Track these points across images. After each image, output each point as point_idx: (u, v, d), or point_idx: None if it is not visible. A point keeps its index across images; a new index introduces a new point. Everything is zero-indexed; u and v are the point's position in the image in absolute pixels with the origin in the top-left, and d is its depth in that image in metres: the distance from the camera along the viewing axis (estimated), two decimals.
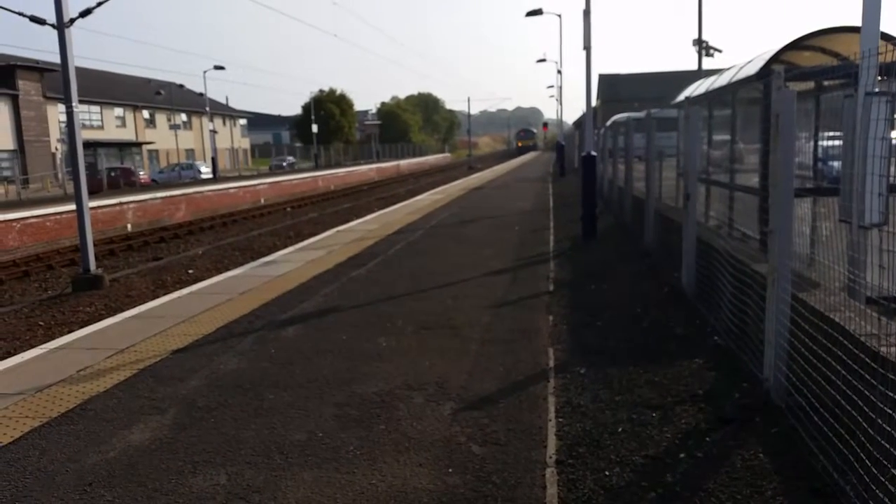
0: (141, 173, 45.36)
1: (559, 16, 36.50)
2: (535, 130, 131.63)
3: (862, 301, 4.11)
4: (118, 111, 60.00)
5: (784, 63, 7.43)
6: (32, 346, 7.70)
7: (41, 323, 11.29)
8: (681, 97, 11.19)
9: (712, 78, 10.43)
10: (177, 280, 14.49)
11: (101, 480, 4.00)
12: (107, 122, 58.00)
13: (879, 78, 4.58)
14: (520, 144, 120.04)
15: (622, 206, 15.41)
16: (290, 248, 13.63)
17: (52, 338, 8.70)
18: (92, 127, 54.56)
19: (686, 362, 5.59)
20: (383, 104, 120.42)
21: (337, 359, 6.12)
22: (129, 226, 25.27)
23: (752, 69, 7.41)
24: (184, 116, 69.04)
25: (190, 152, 68.30)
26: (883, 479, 2.95)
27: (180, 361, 6.16)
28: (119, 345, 6.75)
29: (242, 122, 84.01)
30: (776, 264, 4.46)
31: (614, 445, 4.21)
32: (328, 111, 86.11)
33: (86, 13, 13.68)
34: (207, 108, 54.05)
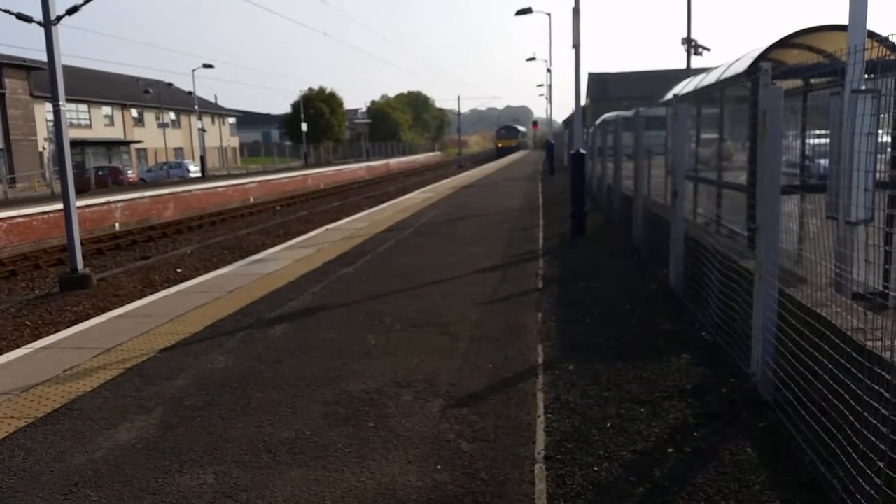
0: (129, 172, 45.16)
1: (549, 14, 36.56)
2: (520, 128, 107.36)
3: (848, 296, 4.13)
4: (106, 110, 59.62)
5: (772, 61, 7.45)
6: (19, 346, 7.63)
7: (28, 323, 11.21)
8: (669, 95, 11.22)
9: (701, 76, 10.47)
10: (165, 279, 14.41)
11: (87, 480, 3.96)
12: (95, 121, 57.62)
13: (866, 76, 4.60)
14: (500, 145, 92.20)
15: (611, 203, 15.45)
16: (279, 247, 13.58)
17: (38, 337, 8.64)
18: (80, 126, 54.20)
19: (674, 358, 5.60)
20: (373, 103, 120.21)
21: (325, 357, 6.10)
22: (117, 225, 25.11)
23: (741, 67, 7.44)
24: (172, 115, 68.68)
25: (178, 151, 67.98)
26: (870, 473, 2.96)
27: (167, 360, 6.12)
28: (106, 344, 6.70)
29: (231, 120, 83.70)
30: (763, 260, 4.48)
31: (603, 441, 4.21)
32: (318, 110, 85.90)
33: (73, 10, 13.58)
34: (196, 107, 53.76)
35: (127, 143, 57.69)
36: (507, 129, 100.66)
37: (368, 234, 14.67)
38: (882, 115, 4.02)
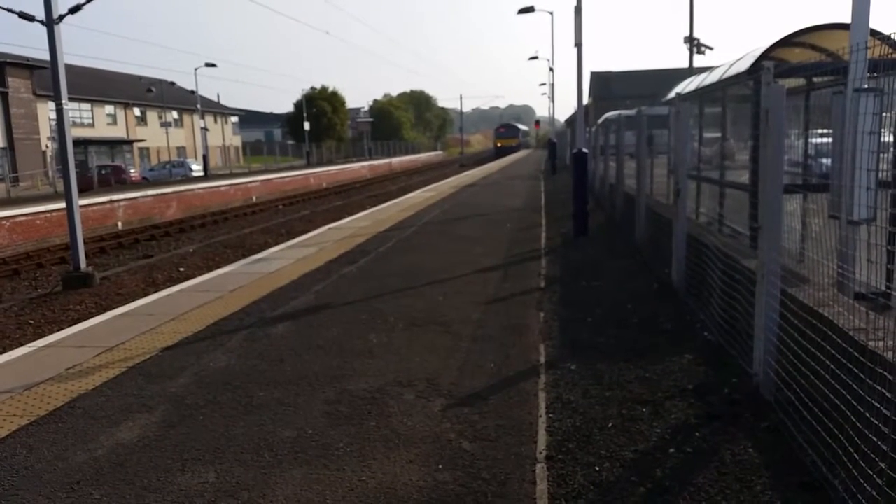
0: (132, 171, 45.21)
1: (551, 13, 36.62)
2: (521, 126, 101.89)
3: (851, 296, 4.12)
4: (109, 109, 59.69)
5: (774, 60, 7.43)
6: (21, 345, 7.64)
7: (31, 321, 11.23)
8: (672, 94, 11.21)
9: (703, 75, 10.45)
10: (167, 278, 14.43)
11: (89, 479, 3.97)
12: (97, 120, 57.69)
13: (869, 75, 4.59)
14: (499, 144, 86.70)
15: (613, 203, 15.44)
16: (282, 246, 13.59)
17: (41, 336, 8.65)
18: (83, 124, 54.27)
19: (676, 358, 5.60)
20: (375, 101, 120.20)
21: (327, 356, 6.10)
22: (119, 224, 25.14)
23: (743, 66, 7.42)
24: (175, 114, 68.74)
25: (181, 150, 68.03)
26: (871, 473, 2.95)
27: (169, 359, 6.13)
28: (108, 343, 6.71)
29: (234, 119, 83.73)
30: (765, 260, 4.47)
31: (604, 441, 4.21)
32: (320, 108, 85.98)
33: (75, 9, 13.60)
34: (198, 106, 53.82)
35: (130, 142, 57.83)
36: (506, 127, 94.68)
37: (371, 233, 14.67)
38: (885, 114, 4.01)
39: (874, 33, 5.29)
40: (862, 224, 4.40)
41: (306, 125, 70.69)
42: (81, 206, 14.84)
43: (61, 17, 13.09)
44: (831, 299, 4.15)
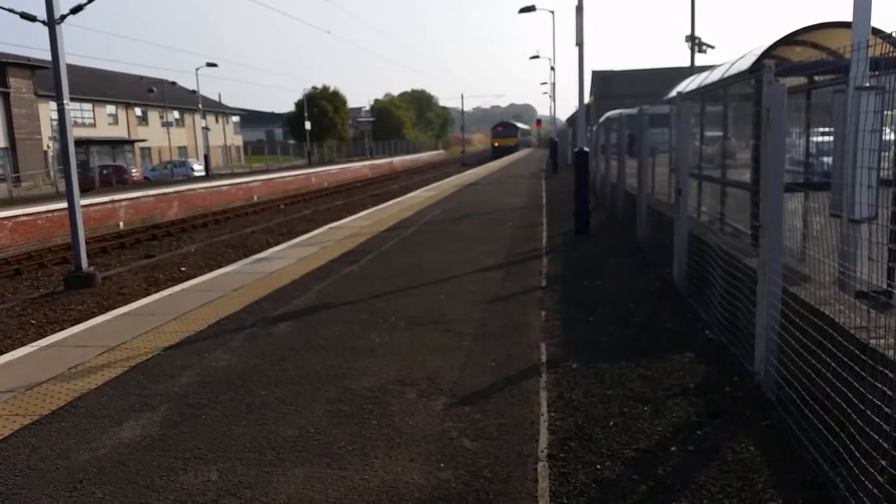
0: (133, 171, 45.24)
1: (552, 12, 36.62)
2: (520, 125, 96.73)
3: (852, 294, 4.12)
4: (110, 109, 59.74)
5: (776, 58, 7.43)
6: (24, 345, 7.66)
7: (33, 321, 11.25)
8: (673, 93, 11.20)
9: (705, 74, 10.45)
10: (169, 277, 14.44)
11: (92, 478, 3.98)
12: (99, 120, 57.73)
13: (870, 73, 4.59)
14: (497, 144, 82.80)
15: (615, 201, 15.44)
16: (283, 245, 13.60)
17: (43, 336, 8.67)
18: (84, 125, 54.30)
19: (678, 357, 5.60)
20: (377, 101, 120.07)
21: (329, 355, 6.11)
22: (121, 224, 25.17)
23: (744, 64, 7.43)
24: (176, 114, 68.75)
25: (182, 150, 68.05)
26: (873, 471, 2.95)
27: (171, 358, 6.14)
28: (110, 342, 6.72)
29: (235, 119, 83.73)
30: (767, 258, 4.47)
31: (606, 439, 4.21)
32: (321, 108, 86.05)
33: (77, 10, 13.60)
34: (200, 106, 53.83)
35: (131, 142, 57.86)
36: (504, 126, 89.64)
37: (372, 232, 14.68)
38: (886, 112, 4.01)
39: (876, 32, 5.29)
40: (863, 222, 4.40)
41: (307, 125, 70.70)
42: (83, 206, 14.86)
43: (63, 18, 13.10)
44: (833, 297, 4.15)
